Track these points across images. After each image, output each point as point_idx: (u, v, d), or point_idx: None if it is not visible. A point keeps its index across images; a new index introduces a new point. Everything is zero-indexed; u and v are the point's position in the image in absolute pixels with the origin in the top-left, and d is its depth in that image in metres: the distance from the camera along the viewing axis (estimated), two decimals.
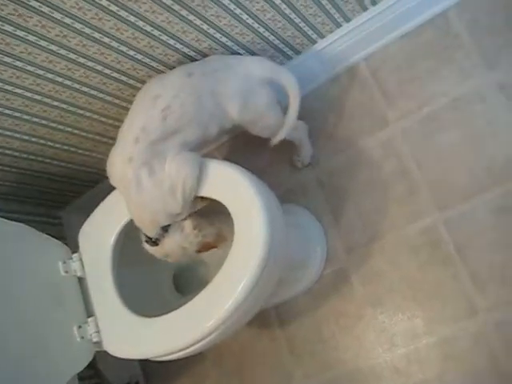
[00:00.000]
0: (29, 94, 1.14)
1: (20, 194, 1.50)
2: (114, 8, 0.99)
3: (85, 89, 1.19)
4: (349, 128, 1.41)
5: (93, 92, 1.21)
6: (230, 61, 1.19)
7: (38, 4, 0.92)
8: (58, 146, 1.35)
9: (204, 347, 1.11)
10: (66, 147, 1.37)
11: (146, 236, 1.16)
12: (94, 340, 1.19)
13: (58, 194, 1.60)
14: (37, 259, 1.21)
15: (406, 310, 1.28)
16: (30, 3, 0.92)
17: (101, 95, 1.23)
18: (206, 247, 1.19)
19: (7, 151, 1.29)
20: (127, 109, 1.27)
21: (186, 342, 1.08)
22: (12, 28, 0.95)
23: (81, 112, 1.26)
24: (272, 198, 1.12)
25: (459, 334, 1.23)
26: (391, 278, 1.31)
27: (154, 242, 1.15)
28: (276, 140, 1.24)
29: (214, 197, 1.11)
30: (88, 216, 1.31)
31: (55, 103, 1.19)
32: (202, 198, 1.15)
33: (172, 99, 1.09)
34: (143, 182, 1.08)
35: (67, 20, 0.98)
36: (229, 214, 1.26)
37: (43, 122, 1.24)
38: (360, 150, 1.39)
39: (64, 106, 1.21)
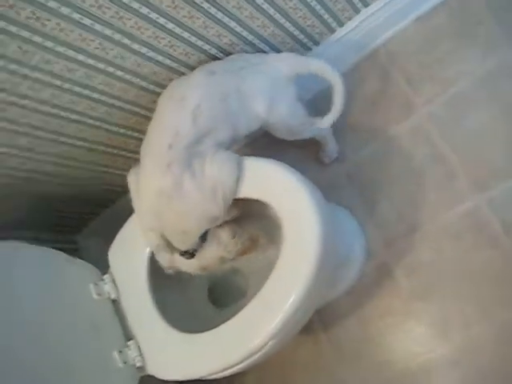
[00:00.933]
0: (44, 108, 1.07)
1: (34, 221, 1.42)
2: (135, 5, 0.94)
3: (104, 98, 1.12)
4: (374, 117, 1.36)
5: (112, 101, 1.14)
6: (254, 59, 1.14)
7: (57, 4, 0.87)
8: (73, 163, 1.28)
9: (256, 361, 1.04)
10: (82, 164, 1.30)
11: (182, 251, 1.10)
12: (138, 364, 1.11)
13: (73, 218, 1.52)
14: (66, 283, 1.13)
15: (456, 299, 1.22)
16: (48, 4, 0.86)
17: (119, 103, 1.16)
18: (241, 254, 1.14)
19: (21, 173, 1.22)
20: (146, 117, 1.22)
21: (239, 358, 1.01)
22: (29, 34, 0.89)
23: (98, 124, 1.19)
24: (320, 195, 1.06)
25: None
26: (437, 268, 1.25)
27: (192, 254, 1.09)
28: (326, 123, 1.21)
29: (258, 197, 1.04)
30: (106, 238, 1.25)
31: (73, 116, 1.12)
32: (238, 201, 1.08)
33: (200, 99, 1.03)
34: (185, 186, 1.01)
35: (86, 21, 0.92)
36: (258, 217, 1.21)
37: (61, 138, 1.17)
38: (388, 139, 1.34)
39: (82, 118, 1.14)
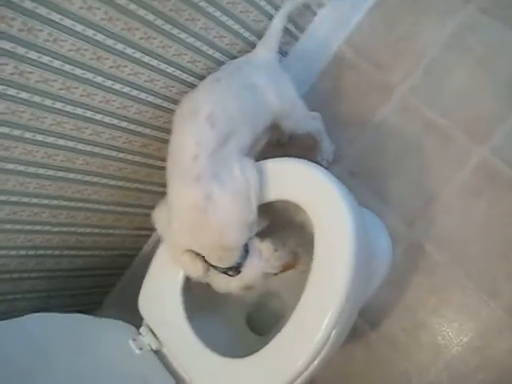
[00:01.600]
0: (41, 171, 1.06)
1: (52, 306, 1.36)
2: (110, 42, 0.96)
3: (97, 149, 1.12)
4: (358, 110, 1.38)
5: (105, 152, 1.14)
6: (242, 58, 1.19)
7: (37, 55, 0.88)
8: (81, 230, 1.25)
9: (308, 378, 0.98)
10: (89, 229, 1.27)
11: (225, 269, 1.05)
12: None
13: (89, 294, 1.47)
14: (105, 345, 1.08)
15: (495, 253, 1.20)
16: (28, 55, 0.87)
17: (114, 153, 1.16)
18: (286, 268, 1.09)
19: (30, 251, 1.18)
20: (147, 165, 1.23)
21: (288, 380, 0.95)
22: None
23: (96, 180, 1.18)
24: (350, 193, 1.05)
25: None
26: (466, 230, 1.23)
27: (237, 269, 1.04)
28: None
29: (286, 198, 1.03)
30: (123, 310, 1.23)
31: (70, 176, 1.12)
32: (265, 210, 1.06)
33: (212, 106, 1.03)
34: (216, 197, 0.98)
35: (67, 67, 0.94)
36: (291, 229, 1.19)
37: (63, 202, 1.15)
38: (378, 125, 1.36)
39: (79, 176, 1.14)
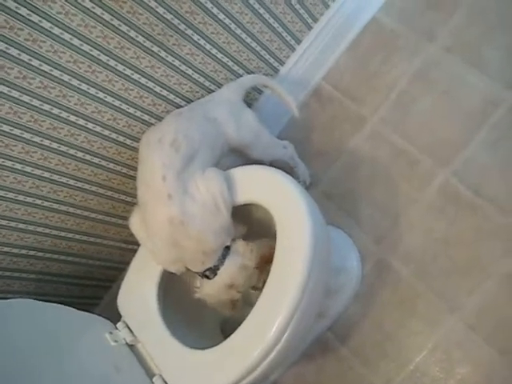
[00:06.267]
0: (38, 172, 1.18)
1: None
2: (112, 63, 1.12)
3: (88, 157, 1.24)
4: (334, 139, 1.51)
5: (95, 160, 1.26)
6: (207, 97, 1.32)
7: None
8: (70, 235, 1.35)
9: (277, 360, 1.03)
10: (78, 236, 1.37)
11: (201, 273, 1.15)
12: None
13: (77, 304, 1.52)
14: (82, 335, 1.15)
15: (456, 267, 1.28)
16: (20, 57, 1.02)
17: (103, 162, 1.28)
18: (263, 260, 1.17)
19: (23, 251, 1.28)
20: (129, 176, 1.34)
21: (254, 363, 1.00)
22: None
23: (86, 187, 1.29)
24: (310, 197, 1.13)
25: None
26: (429, 247, 1.32)
27: (213, 270, 1.13)
28: (296, 111, 1.39)
29: (254, 200, 1.13)
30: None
31: (63, 179, 1.24)
32: (242, 217, 1.17)
33: (174, 134, 1.15)
34: (190, 210, 1.09)
35: (65, 77, 1.08)
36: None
37: (54, 205, 1.26)
38: (351, 152, 1.47)
39: (72, 182, 1.25)
